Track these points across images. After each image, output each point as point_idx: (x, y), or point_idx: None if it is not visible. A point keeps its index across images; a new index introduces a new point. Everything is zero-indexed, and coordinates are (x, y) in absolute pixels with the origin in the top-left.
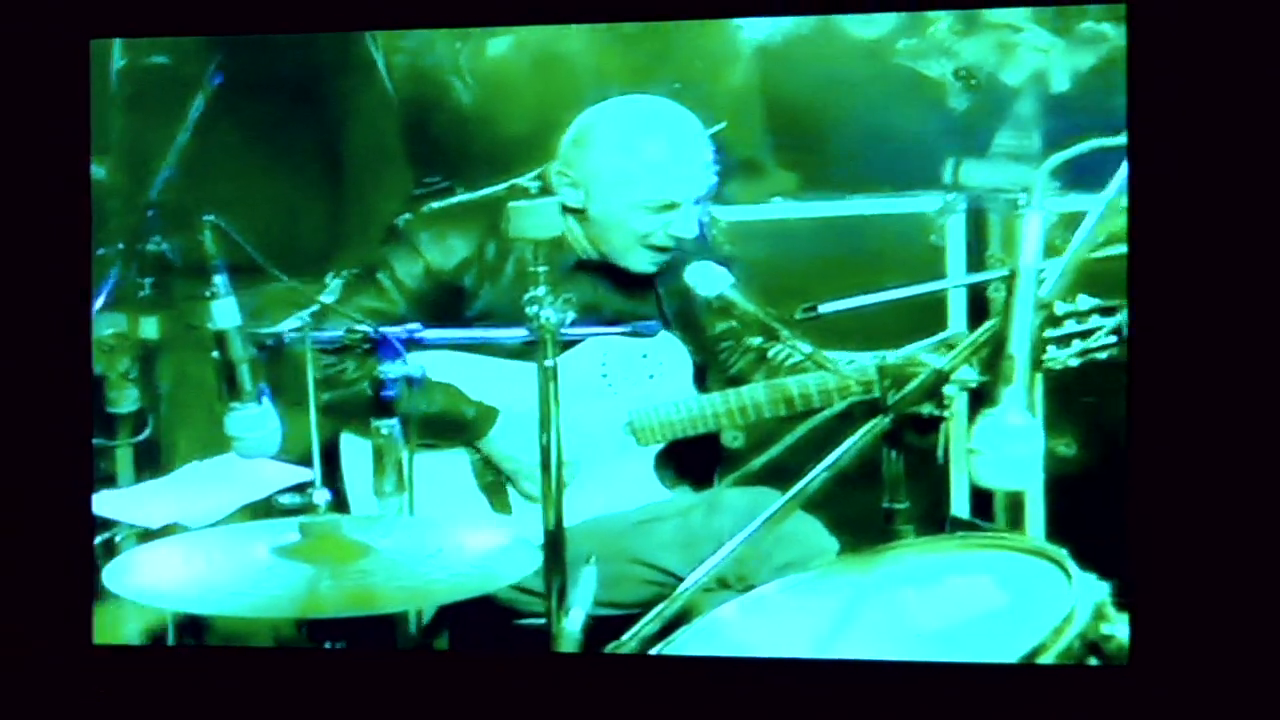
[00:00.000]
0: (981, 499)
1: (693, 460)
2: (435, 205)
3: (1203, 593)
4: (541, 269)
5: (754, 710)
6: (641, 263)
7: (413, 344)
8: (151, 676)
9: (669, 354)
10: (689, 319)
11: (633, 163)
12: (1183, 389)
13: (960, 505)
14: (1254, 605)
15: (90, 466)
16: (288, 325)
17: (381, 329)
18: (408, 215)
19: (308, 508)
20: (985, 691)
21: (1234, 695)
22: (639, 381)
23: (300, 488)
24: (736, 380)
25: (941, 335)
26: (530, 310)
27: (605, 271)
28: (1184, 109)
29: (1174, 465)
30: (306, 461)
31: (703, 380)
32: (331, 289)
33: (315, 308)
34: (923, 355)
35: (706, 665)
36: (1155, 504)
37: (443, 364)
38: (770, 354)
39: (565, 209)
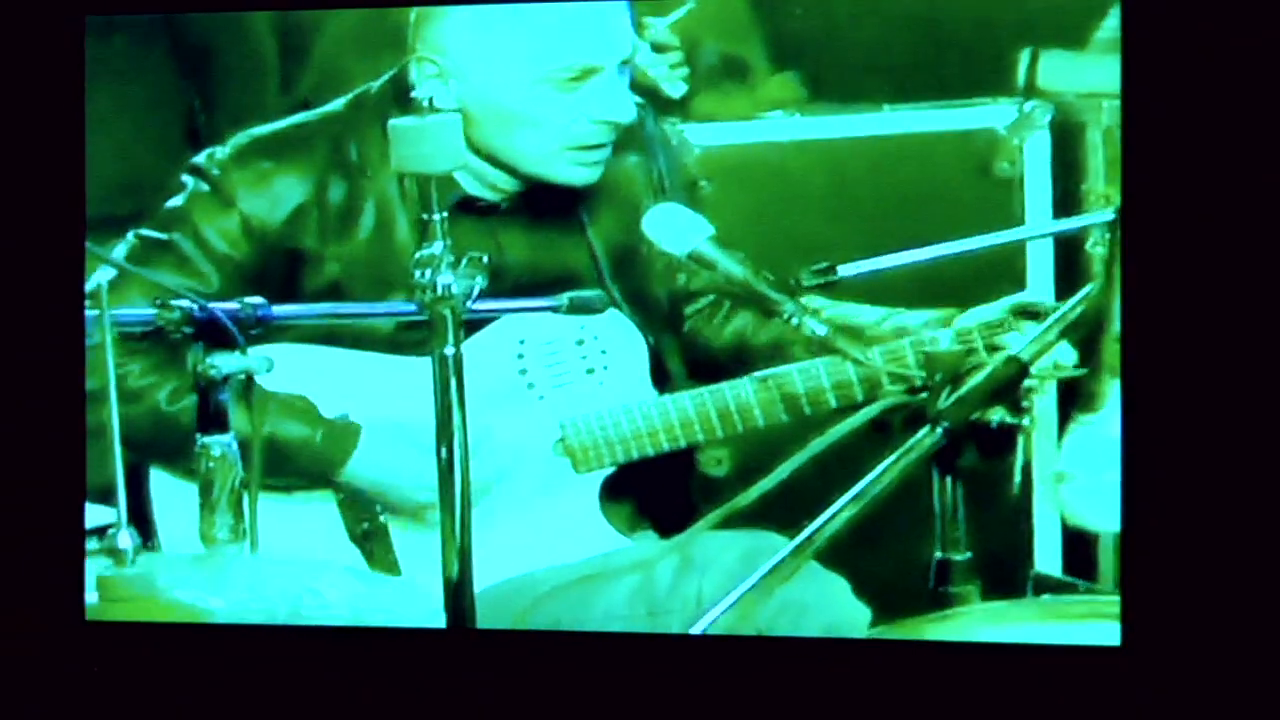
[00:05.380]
0: (1081, 547)
1: (656, 493)
2: (254, 132)
3: (1197, 575)
4: (439, 216)
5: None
6: (568, 171)
7: (258, 325)
8: (144, 652)
9: (614, 338)
10: (636, 279)
11: (516, 17)
12: (1180, 370)
13: (1049, 557)
14: (1249, 590)
15: (83, 441)
16: None
17: (210, 305)
18: (215, 149)
19: (108, 556)
20: (976, 672)
21: (1228, 678)
22: (574, 379)
23: (97, 530)
24: (717, 365)
25: (1017, 298)
26: (420, 276)
27: (505, 212)
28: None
29: (1169, 451)
30: (104, 496)
31: (664, 374)
32: (113, 256)
33: (107, 273)
34: (985, 334)
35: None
36: (1151, 488)
37: (278, 365)
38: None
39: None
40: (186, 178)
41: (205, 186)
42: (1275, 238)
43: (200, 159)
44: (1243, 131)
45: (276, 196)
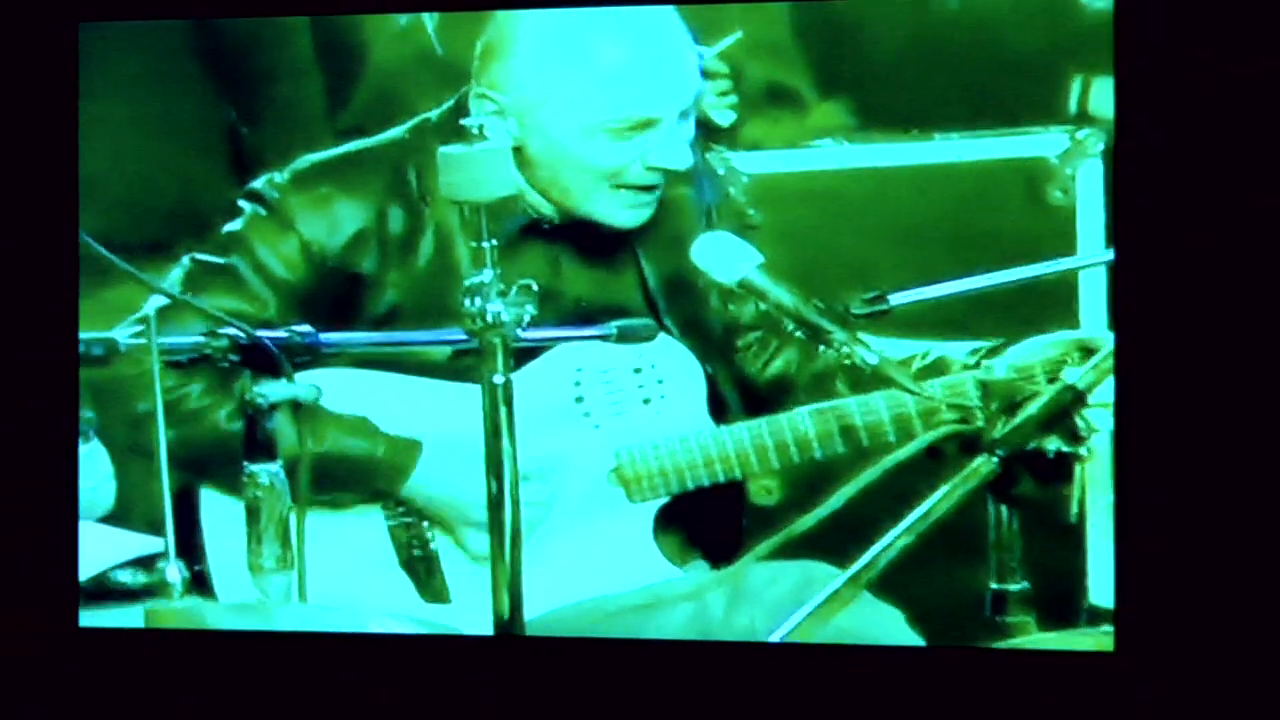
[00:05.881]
0: None
1: (709, 523)
2: (312, 158)
3: (1190, 581)
4: (489, 244)
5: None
6: (616, 213)
7: (306, 353)
8: (137, 659)
9: (672, 368)
10: (693, 309)
11: (580, 65)
12: (1173, 376)
13: (1102, 587)
14: (1242, 596)
15: (75, 450)
16: (124, 327)
17: (257, 333)
18: (274, 175)
19: (156, 588)
20: (969, 677)
21: (1220, 684)
22: (629, 408)
23: (145, 561)
24: (769, 396)
25: (1071, 335)
26: (470, 304)
27: (566, 236)
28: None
29: (1161, 458)
30: (153, 527)
31: (722, 404)
32: (167, 283)
33: (158, 301)
34: (1043, 365)
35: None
36: (1143, 494)
37: (335, 389)
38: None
39: None
40: (243, 202)
41: (263, 211)
42: (1267, 265)
43: (258, 184)
44: (1241, 160)
45: (336, 221)
